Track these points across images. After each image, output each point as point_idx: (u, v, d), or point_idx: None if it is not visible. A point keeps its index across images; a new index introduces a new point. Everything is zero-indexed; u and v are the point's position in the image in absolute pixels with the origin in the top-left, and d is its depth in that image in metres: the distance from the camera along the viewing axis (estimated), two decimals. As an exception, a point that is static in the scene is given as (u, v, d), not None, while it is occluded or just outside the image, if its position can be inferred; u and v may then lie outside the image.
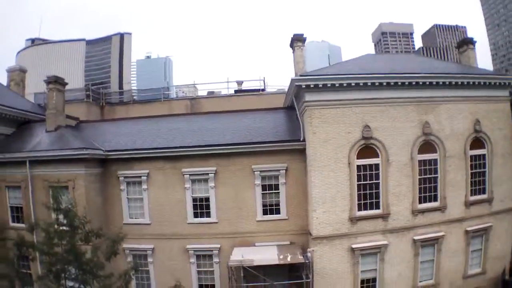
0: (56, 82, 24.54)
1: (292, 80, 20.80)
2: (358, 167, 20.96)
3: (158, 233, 21.95)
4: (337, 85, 20.36)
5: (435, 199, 21.88)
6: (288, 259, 20.15)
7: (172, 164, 21.99)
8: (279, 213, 21.95)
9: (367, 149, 21.10)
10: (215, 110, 26.54)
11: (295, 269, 20.78)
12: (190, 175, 21.91)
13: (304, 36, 23.46)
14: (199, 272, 22.18)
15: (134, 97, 35.58)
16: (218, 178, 21.87)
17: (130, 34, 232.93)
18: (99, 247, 16.35)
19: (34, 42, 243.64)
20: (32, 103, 31.00)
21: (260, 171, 21.73)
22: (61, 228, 16.00)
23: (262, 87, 33.99)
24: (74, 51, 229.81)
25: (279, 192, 21.87)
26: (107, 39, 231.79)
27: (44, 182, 21.88)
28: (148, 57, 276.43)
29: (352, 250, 20.67)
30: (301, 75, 21.00)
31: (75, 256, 15.82)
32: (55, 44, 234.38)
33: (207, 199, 21.99)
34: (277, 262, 19.83)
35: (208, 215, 22.04)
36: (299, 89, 20.75)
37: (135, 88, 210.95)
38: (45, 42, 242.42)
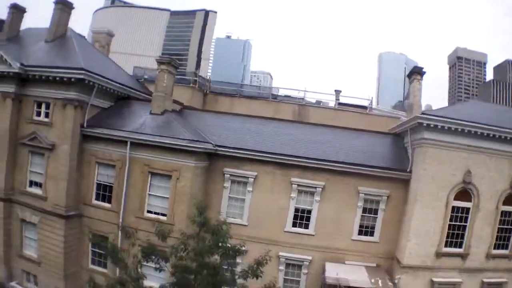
0: (169, 64, 24.39)
1: (416, 117, 22.07)
2: (453, 207, 22.76)
3: (253, 236, 22.65)
4: (458, 129, 21.92)
5: (507, 247, 24.28)
6: (380, 283, 21.55)
7: (283, 171, 22.72)
8: (373, 236, 23.28)
9: (463, 193, 22.91)
10: (320, 119, 27.24)
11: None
12: (298, 185, 22.62)
13: (424, 70, 24.83)
14: (285, 280, 22.98)
15: (242, 92, 34.76)
16: (323, 193, 22.74)
17: (215, 12, 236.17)
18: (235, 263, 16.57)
19: (114, 2, 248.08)
20: (130, 77, 29.97)
21: (365, 194, 22.91)
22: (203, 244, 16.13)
23: (366, 105, 34.50)
24: (156, 19, 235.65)
25: (376, 217, 23.18)
26: (191, 13, 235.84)
27: (144, 167, 22.64)
28: (228, 36, 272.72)
29: (432, 283, 22.41)
30: (424, 113, 22.34)
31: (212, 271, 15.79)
32: (137, 9, 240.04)
33: (309, 211, 22.91)
34: (370, 286, 21.13)
35: (306, 226, 22.99)
36: (419, 125, 22.11)
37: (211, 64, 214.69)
38: (126, 4, 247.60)
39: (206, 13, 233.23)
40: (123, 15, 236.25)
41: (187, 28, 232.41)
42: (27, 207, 24.34)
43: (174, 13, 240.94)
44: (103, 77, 24.11)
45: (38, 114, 24.33)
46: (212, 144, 22.50)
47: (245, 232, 22.60)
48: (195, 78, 33.53)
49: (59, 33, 26.83)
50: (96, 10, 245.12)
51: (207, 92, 35.07)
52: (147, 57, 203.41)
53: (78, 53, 24.50)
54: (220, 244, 16.21)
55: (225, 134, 23.85)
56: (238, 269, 16.92)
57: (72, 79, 22.92)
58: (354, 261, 22.95)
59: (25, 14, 29.01)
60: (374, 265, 23.22)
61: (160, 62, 24.91)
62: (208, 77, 36.13)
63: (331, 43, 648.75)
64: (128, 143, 22.53)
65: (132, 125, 23.57)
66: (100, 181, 23.81)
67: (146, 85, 31.73)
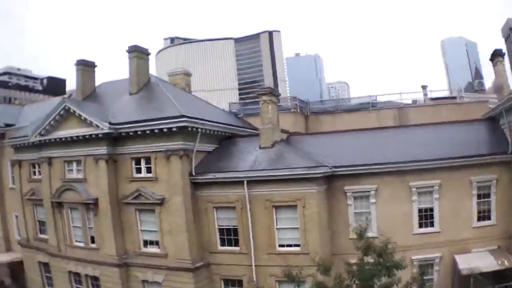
0: (271, 93, 24.14)
1: (510, 98, 22.82)
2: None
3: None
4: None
5: None
6: (506, 263, 22.58)
7: (400, 177, 23.19)
8: (490, 219, 24.13)
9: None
10: (419, 118, 27.47)
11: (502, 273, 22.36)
12: (416, 188, 23.13)
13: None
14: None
15: (341, 106, 34.45)
16: (440, 190, 23.40)
17: (279, 32, 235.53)
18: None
19: (173, 41, 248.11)
20: (227, 113, 29.55)
21: (477, 182, 23.69)
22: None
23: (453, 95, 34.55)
24: (222, 50, 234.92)
25: (490, 200, 24.06)
26: (255, 37, 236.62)
27: (266, 202, 22.37)
28: (297, 54, 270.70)
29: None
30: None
31: None
32: (199, 43, 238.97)
33: (431, 210, 23.45)
34: (498, 268, 22.14)
35: (431, 225, 23.52)
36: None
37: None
38: (186, 41, 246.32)
39: (270, 34, 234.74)
40: (186, 52, 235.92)
41: (255, 53, 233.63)
42: (146, 268, 23.79)
43: (238, 40, 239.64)
44: (205, 120, 23.77)
45: (138, 170, 23.73)
46: (328, 166, 22.41)
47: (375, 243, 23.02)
48: (295, 102, 33.45)
49: (142, 82, 25.97)
50: (158, 52, 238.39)
51: (308, 114, 34.91)
52: (225, 90, 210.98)
53: (172, 100, 23.88)
54: (388, 265, 16.61)
55: (337, 153, 23.66)
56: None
57: (174, 129, 22.42)
58: (479, 248, 23.76)
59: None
60: (496, 247, 24.16)
61: (261, 94, 24.63)
62: (306, 99, 35.97)
63: (389, 39, 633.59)
64: (245, 182, 22.28)
65: (245, 163, 23.41)
66: (221, 225, 23.45)
67: (246, 119, 31.77)
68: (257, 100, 26.63)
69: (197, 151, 23.52)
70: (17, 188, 30.73)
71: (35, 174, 29.30)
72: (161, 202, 23.14)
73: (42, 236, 29.42)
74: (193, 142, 23.30)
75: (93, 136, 23.73)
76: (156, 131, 22.70)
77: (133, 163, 23.79)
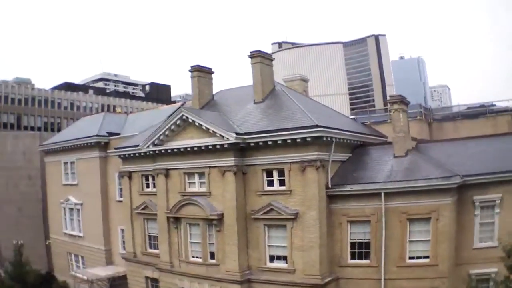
0: (402, 102, 23.18)
1: None
2: None
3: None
4: None
5: None
6: None
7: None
8: None
9: None
10: None
11: None
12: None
13: None
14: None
15: (462, 112, 33.08)
16: None
17: (384, 35, 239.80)
18: None
19: (281, 46, 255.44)
20: (354, 121, 28.73)
21: None
22: None
23: None
24: (331, 54, 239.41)
25: None
26: (362, 41, 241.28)
27: (401, 215, 21.27)
28: (401, 57, 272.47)
29: None
30: None
31: None
32: (309, 47, 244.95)
33: None
34: None
35: None
36: None
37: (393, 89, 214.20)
38: (295, 45, 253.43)
39: (376, 38, 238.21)
40: (295, 57, 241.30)
41: (363, 57, 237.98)
42: (270, 284, 22.53)
43: (346, 44, 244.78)
44: (339, 129, 22.61)
45: (270, 183, 22.42)
46: (460, 176, 20.96)
47: (496, 254, 20.37)
48: (421, 110, 32.27)
49: (267, 90, 24.87)
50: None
51: (431, 121, 33.70)
52: (335, 95, 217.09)
53: (303, 109, 22.69)
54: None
55: (464, 161, 22.22)
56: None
57: (308, 139, 21.04)
58: None
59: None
60: None
61: (392, 102, 23.86)
62: (429, 106, 34.59)
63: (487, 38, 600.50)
64: (382, 194, 21.05)
65: (381, 174, 22.16)
66: (354, 239, 22.16)
67: (373, 126, 30.73)
68: (369, 104, 25.03)
69: (332, 161, 22.12)
70: (126, 201, 30.36)
71: (148, 187, 28.80)
72: (295, 217, 21.77)
73: (152, 251, 28.85)
74: (327, 152, 21.98)
75: (218, 146, 22.70)
76: (289, 141, 21.44)
77: (264, 175, 22.63)
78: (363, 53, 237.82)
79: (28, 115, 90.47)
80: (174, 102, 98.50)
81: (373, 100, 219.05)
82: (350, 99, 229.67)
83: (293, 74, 32.16)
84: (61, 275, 40.96)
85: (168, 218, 26.09)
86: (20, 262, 36.55)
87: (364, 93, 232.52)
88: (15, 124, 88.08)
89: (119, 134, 36.24)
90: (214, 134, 23.00)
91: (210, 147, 23.28)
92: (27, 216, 50.61)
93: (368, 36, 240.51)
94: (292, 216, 21.74)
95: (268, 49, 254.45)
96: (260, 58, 25.05)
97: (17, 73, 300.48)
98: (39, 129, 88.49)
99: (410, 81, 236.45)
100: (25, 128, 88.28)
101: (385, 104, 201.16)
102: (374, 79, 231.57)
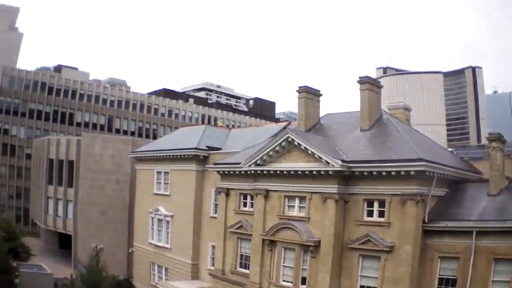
0: (499, 140, 27.72)
1: None
2: None
3: None
4: None
5: None
6: None
7: None
8: None
9: None
10: None
11: None
12: None
13: None
14: None
15: None
16: None
17: (481, 68, 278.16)
18: None
19: (386, 71, 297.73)
20: (454, 155, 33.27)
21: None
22: None
23: None
24: (431, 83, 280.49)
25: None
26: (460, 73, 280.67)
27: (489, 255, 24.93)
28: (495, 92, 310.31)
29: None
30: None
31: None
32: (408, 76, 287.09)
33: None
34: None
35: None
36: None
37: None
38: (399, 72, 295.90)
39: (473, 70, 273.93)
40: (396, 83, 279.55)
41: (460, 89, 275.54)
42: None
43: (446, 75, 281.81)
44: (442, 164, 27.23)
45: (369, 213, 27.77)
46: None
47: None
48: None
49: (373, 118, 30.38)
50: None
51: None
52: (433, 125, 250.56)
53: (409, 141, 27.88)
54: None
55: None
56: None
57: (411, 172, 26.08)
58: None
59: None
60: None
61: (491, 140, 27.85)
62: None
63: None
64: (474, 232, 24.97)
65: (475, 211, 26.36)
66: (442, 275, 26.32)
67: (470, 161, 34.96)
68: (464, 137, 29.44)
69: (431, 196, 26.93)
70: (220, 218, 37.17)
71: (245, 206, 35.38)
72: (390, 250, 26.72)
73: (242, 270, 35.07)
74: (428, 187, 26.69)
75: (322, 172, 28.47)
76: (393, 173, 26.56)
77: (365, 205, 27.95)
78: (461, 84, 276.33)
79: (121, 118, 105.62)
80: (278, 119, 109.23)
81: (468, 133, 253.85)
82: (447, 130, 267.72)
83: (397, 102, 37.10)
84: (140, 284, 49.11)
85: (263, 240, 32.13)
86: (96, 268, 43.77)
87: (460, 125, 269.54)
88: (106, 126, 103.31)
89: (219, 149, 43.52)
90: (319, 159, 28.71)
91: (314, 172, 29.09)
92: (111, 220, 60.39)
93: (466, 68, 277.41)
94: (388, 249, 26.65)
95: (372, 73, 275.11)
96: (369, 85, 30.47)
97: (111, 73, 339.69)
98: (132, 133, 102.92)
99: (500, 116, 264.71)
100: (117, 131, 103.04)
101: (479, 139, 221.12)
102: (469, 112, 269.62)
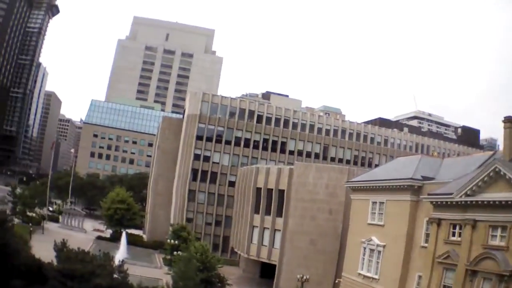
0: None
1: None
2: None
3: None
4: None
5: None
6: None
7: None
8: None
9: None
10: None
11: None
12: None
13: None
14: None
15: None
16: None
17: None
18: None
19: None
20: None
21: None
22: None
23: None
24: None
25: None
26: None
27: None
28: None
29: None
30: None
31: None
32: None
33: None
34: None
35: None
36: None
37: None
38: None
39: None
40: None
41: None
42: None
43: None
44: None
45: None
46: None
47: None
48: None
49: None
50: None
51: None
52: None
53: None
54: None
55: None
56: None
57: None
58: None
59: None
60: None
61: None
62: None
63: None
64: None
65: None
66: None
67: None
68: None
69: None
70: (430, 248, 49.48)
71: (453, 235, 47.33)
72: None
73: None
74: None
75: (525, 203, 40.05)
76: None
77: None
78: None
79: (336, 147, 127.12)
80: (482, 146, 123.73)
81: None
82: None
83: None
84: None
85: (466, 270, 43.66)
86: None
87: None
88: (321, 154, 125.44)
89: (433, 178, 56.33)
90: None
91: (515, 202, 40.34)
92: (320, 250, 76.58)
93: None
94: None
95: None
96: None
97: (325, 101, 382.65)
98: (347, 162, 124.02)
99: None
100: (332, 159, 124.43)
101: None
102: None
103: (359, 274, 63.46)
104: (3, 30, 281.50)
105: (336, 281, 69.81)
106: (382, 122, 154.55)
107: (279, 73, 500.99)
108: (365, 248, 63.29)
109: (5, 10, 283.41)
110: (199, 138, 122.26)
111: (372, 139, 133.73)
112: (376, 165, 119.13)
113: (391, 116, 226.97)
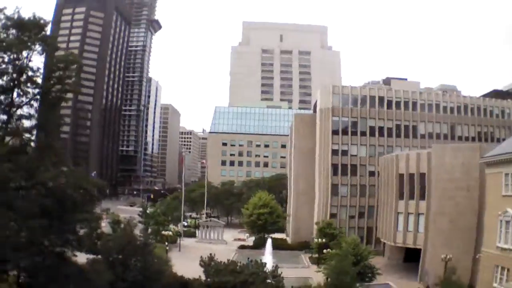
0: None
1: None
2: None
3: None
4: None
5: None
6: None
7: None
8: None
9: None
10: None
11: None
12: None
13: None
14: None
15: None
16: None
17: None
18: None
19: None
20: None
21: None
22: None
23: None
24: None
25: None
26: None
27: None
28: None
29: None
30: None
31: None
32: None
33: None
34: None
35: None
36: None
37: None
38: None
39: None
40: None
41: None
42: None
43: None
44: None
45: None
46: None
47: None
48: None
49: None
50: None
51: None
52: None
53: None
54: None
55: None
56: None
57: None
58: None
59: None
60: None
61: None
62: None
63: None
64: None
65: None
66: None
67: None
68: None
69: None
70: None
71: None
72: None
73: None
74: None
75: None
76: None
77: None
78: None
79: (461, 125, 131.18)
80: None
81: None
82: None
83: None
84: (483, 288, 68.66)
85: None
86: (449, 280, 62.81)
87: None
88: (449, 134, 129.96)
89: None
90: None
91: None
92: (459, 228, 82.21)
93: None
94: None
95: None
96: None
97: (442, 80, 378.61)
98: (473, 139, 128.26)
99: None
100: (459, 138, 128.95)
101: None
102: None
103: (497, 247, 67.58)
104: (103, 52, 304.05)
105: (477, 256, 73.84)
106: (497, 94, 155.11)
107: (394, 58, 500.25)
108: (501, 221, 67.40)
109: (101, 33, 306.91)
110: (335, 132, 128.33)
111: (491, 112, 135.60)
112: (498, 139, 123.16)
113: (500, 86, 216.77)
